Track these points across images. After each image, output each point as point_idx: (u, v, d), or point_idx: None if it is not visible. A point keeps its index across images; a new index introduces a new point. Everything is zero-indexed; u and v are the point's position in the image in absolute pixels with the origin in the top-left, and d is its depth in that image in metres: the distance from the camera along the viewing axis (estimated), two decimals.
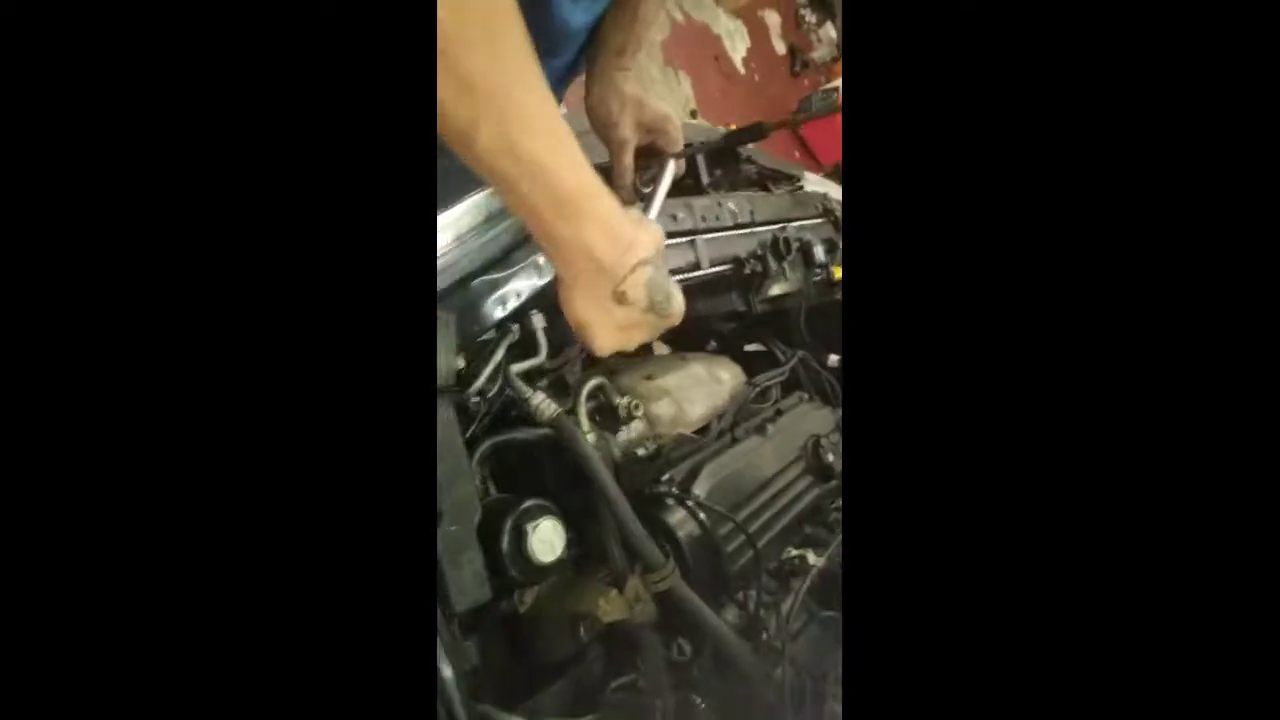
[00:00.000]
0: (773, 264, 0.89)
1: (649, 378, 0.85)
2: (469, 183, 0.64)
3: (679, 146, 0.76)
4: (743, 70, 3.75)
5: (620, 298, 0.47)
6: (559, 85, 0.82)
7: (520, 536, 0.48)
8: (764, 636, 0.70)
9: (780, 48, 4.21)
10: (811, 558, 0.73)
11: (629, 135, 0.73)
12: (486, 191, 0.64)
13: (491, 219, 0.63)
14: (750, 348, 1.12)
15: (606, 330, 0.50)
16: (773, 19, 4.21)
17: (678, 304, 0.52)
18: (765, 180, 1.09)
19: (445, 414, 0.49)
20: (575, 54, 0.75)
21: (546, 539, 0.49)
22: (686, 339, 1.14)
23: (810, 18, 4.48)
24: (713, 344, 1.16)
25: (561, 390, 0.71)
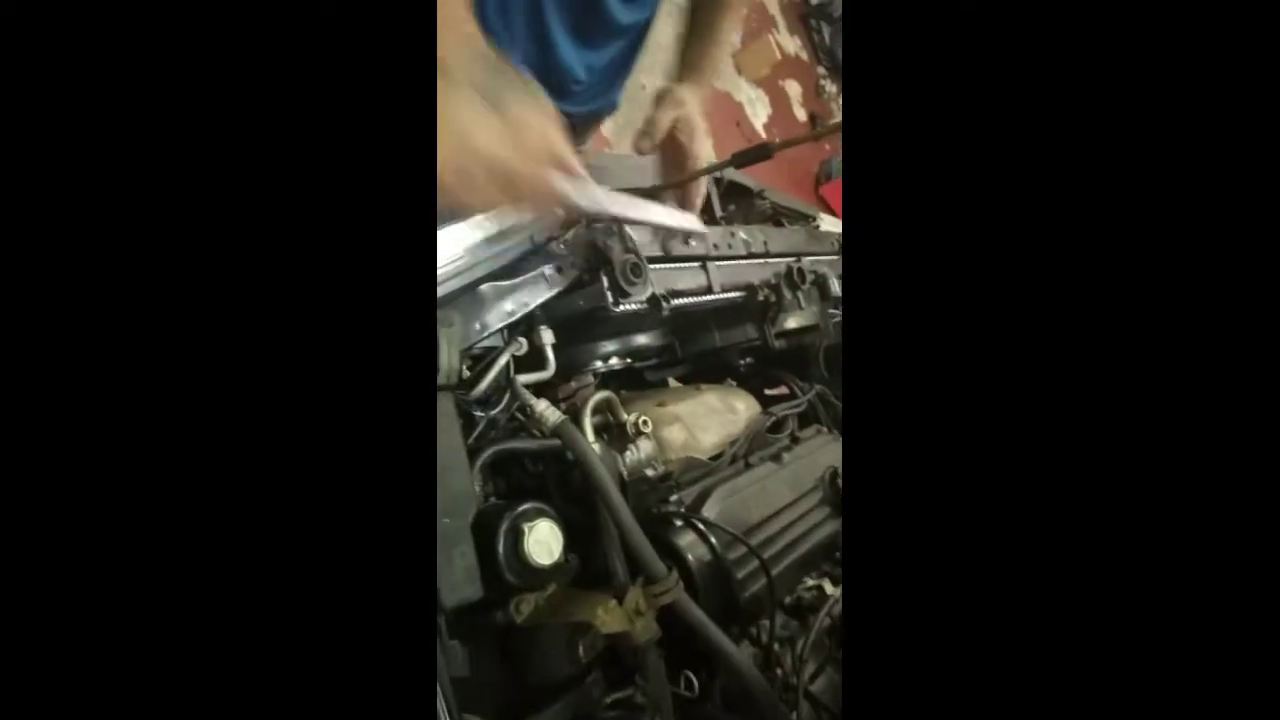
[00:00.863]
0: (786, 293, 0.89)
1: (660, 405, 0.83)
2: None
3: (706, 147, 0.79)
4: (764, 135, 3.85)
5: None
6: (611, 80, 0.86)
7: (517, 537, 0.46)
8: (779, 672, 0.66)
9: (801, 115, 4.33)
10: (829, 587, 0.69)
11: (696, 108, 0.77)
12: (492, 211, 0.65)
13: (499, 236, 0.64)
14: (771, 392, 1.10)
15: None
16: (793, 88, 4.35)
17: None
18: (780, 217, 1.09)
19: (444, 409, 0.48)
20: (621, 52, 0.78)
21: (543, 540, 0.47)
22: (703, 375, 1.12)
23: (830, 87, 4.62)
24: (730, 382, 1.14)
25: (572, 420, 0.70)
